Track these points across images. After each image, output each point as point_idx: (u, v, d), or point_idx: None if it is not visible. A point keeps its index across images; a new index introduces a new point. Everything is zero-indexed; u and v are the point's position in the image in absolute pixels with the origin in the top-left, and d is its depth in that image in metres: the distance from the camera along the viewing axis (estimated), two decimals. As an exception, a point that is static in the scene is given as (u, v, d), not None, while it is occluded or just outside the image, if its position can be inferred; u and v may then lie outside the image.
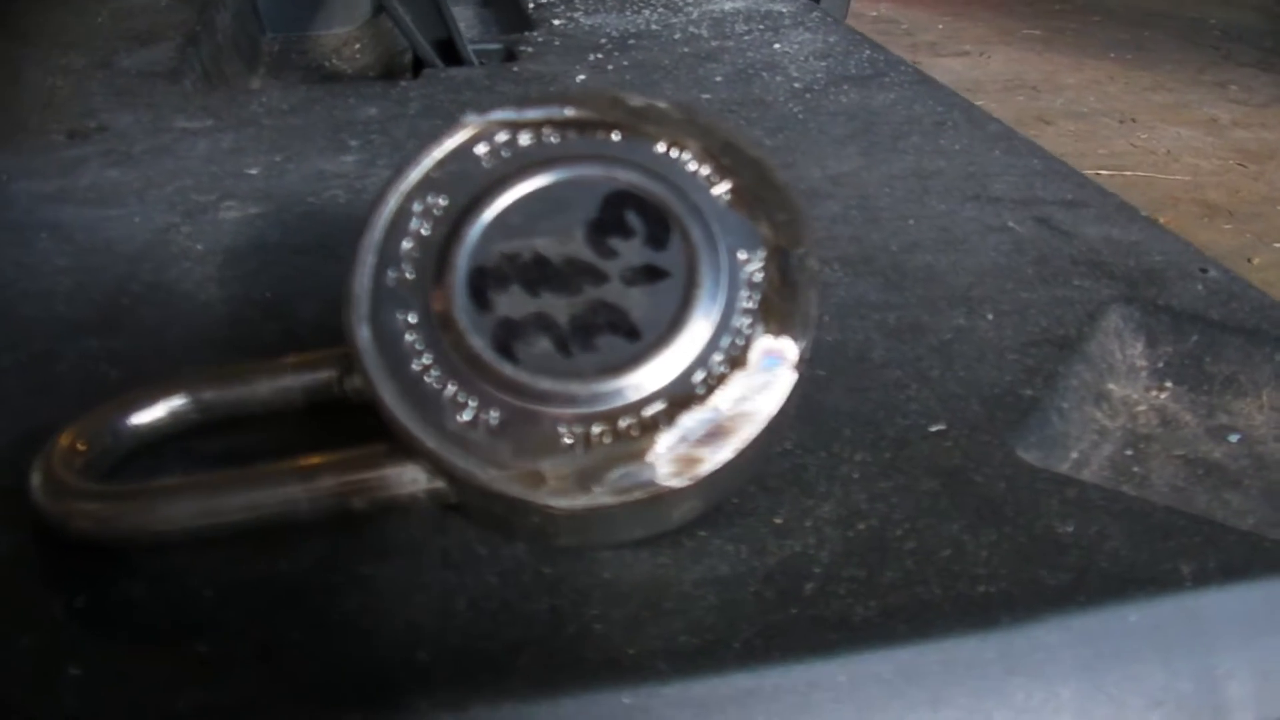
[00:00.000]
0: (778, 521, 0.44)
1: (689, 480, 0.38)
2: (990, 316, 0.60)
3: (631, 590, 0.41)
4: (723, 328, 0.40)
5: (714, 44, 1.12)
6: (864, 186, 0.77)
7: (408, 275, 0.42)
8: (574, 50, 1.11)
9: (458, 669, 0.38)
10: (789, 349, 0.40)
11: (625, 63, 1.07)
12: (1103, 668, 0.40)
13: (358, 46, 1.52)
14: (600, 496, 0.38)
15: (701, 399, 0.39)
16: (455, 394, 0.40)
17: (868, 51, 1.08)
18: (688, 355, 0.40)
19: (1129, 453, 0.55)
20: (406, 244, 0.43)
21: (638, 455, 0.39)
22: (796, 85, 0.99)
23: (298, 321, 0.61)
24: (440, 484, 0.41)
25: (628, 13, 1.22)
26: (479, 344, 0.40)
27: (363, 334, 0.41)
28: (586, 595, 0.41)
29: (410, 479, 0.41)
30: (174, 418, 0.49)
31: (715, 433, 0.39)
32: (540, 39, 1.14)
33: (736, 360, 0.40)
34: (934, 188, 0.77)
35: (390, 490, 0.42)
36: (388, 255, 0.42)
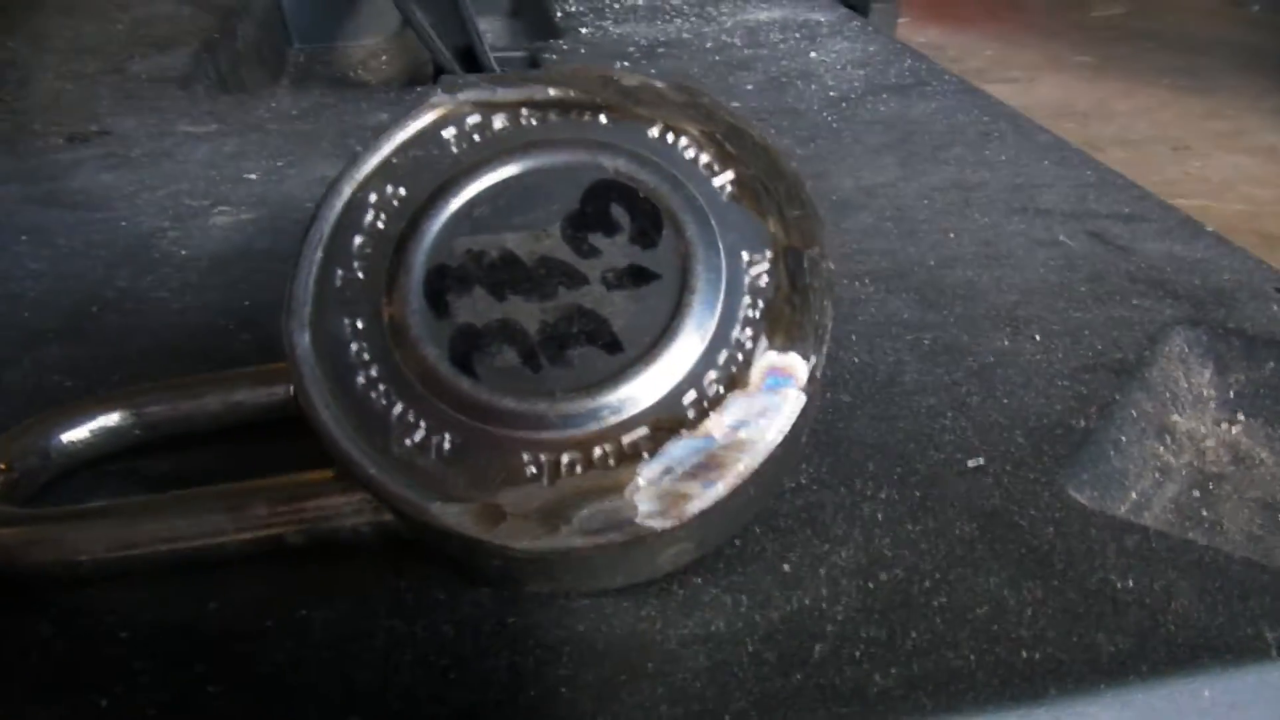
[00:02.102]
0: (786, 569, 0.38)
1: (674, 521, 0.32)
2: (1038, 338, 0.53)
3: (608, 647, 0.35)
4: (720, 340, 0.34)
5: (747, 52, 1.06)
6: (900, 198, 0.71)
7: (358, 275, 0.36)
8: (599, 58, 1.05)
9: (394, 739, 0.32)
10: (797, 366, 0.34)
11: (652, 70, 1.01)
12: (1169, 754, 0.34)
13: (384, 58, 1.48)
14: (568, 538, 0.32)
15: (692, 424, 0.33)
16: (404, 413, 0.34)
17: (909, 61, 1.02)
18: (677, 372, 0.34)
19: (1196, 494, 0.48)
20: (358, 240, 0.37)
21: (614, 490, 0.32)
22: (832, 94, 0.93)
23: (273, 332, 0.56)
24: (390, 518, 0.35)
25: (658, 21, 1.17)
26: (434, 355, 0.34)
27: (301, 342, 0.35)
28: (555, 652, 0.35)
29: (353, 511, 0.36)
30: (113, 435, 0.43)
31: (707, 465, 0.33)
32: (566, 47, 1.09)
33: (735, 379, 0.34)
34: (977, 200, 0.70)
35: (331, 523, 0.36)
36: (336, 252, 0.37)
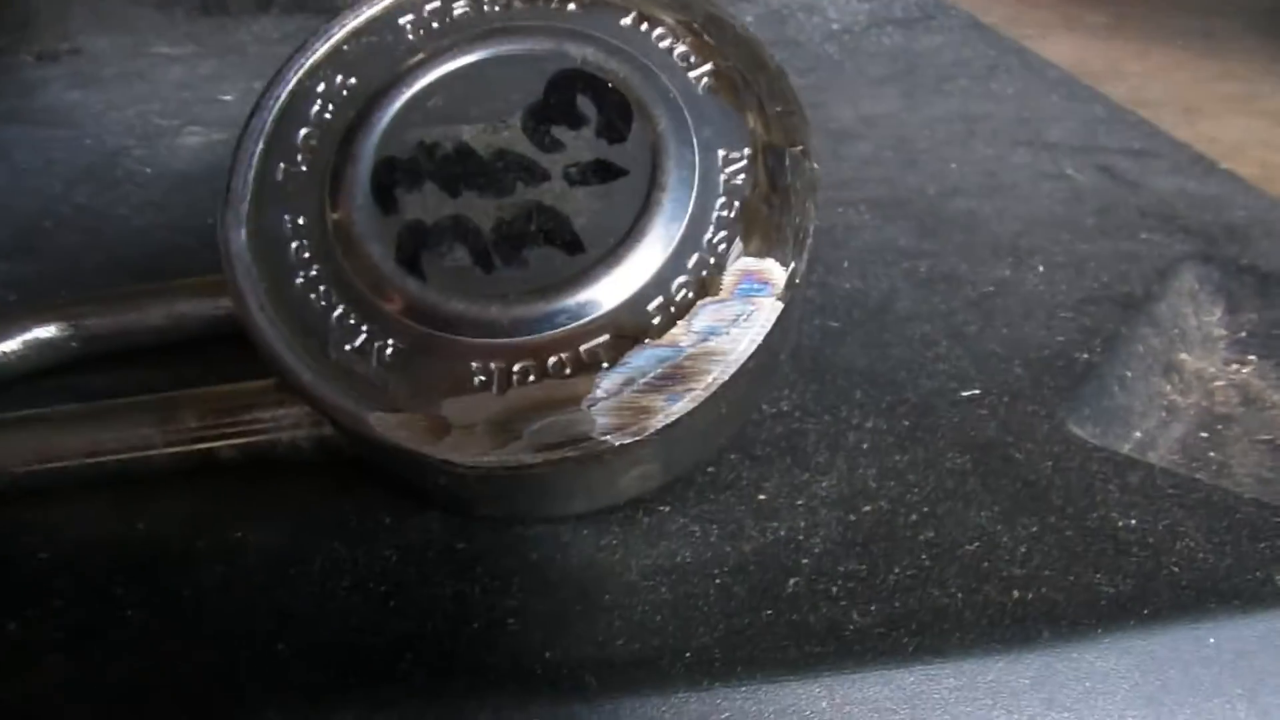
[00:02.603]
0: (761, 499, 0.35)
1: (634, 436, 0.29)
2: (1041, 269, 0.50)
3: (562, 577, 0.32)
4: (690, 243, 0.31)
5: (748, -15, 1.02)
6: (901, 129, 0.68)
7: (301, 169, 0.33)
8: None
9: (323, 668, 0.29)
10: (774, 272, 0.31)
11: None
12: (1171, 703, 0.31)
13: (379, -10, 1.44)
14: (519, 452, 0.29)
15: (657, 332, 0.30)
16: (344, 316, 0.31)
17: (917, -5, 0.98)
18: (642, 275, 0.31)
19: (1204, 435, 0.45)
20: (303, 131, 0.34)
21: (569, 401, 0.29)
22: (834, 27, 0.89)
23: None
24: (329, 431, 0.33)
25: (658, -48, 1.13)
26: (379, 254, 0.31)
27: (237, 239, 0.32)
28: (504, 581, 0.32)
29: (291, 423, 0.33)
30: (48, 348, 0.41)
31: (672, 376, 0.30)
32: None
33: (706, 284, 0.31)
34: (981, 131, 0.67)
35: (266, 435, 0.33)
36: (279, 144, 0.34)
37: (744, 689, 0.29)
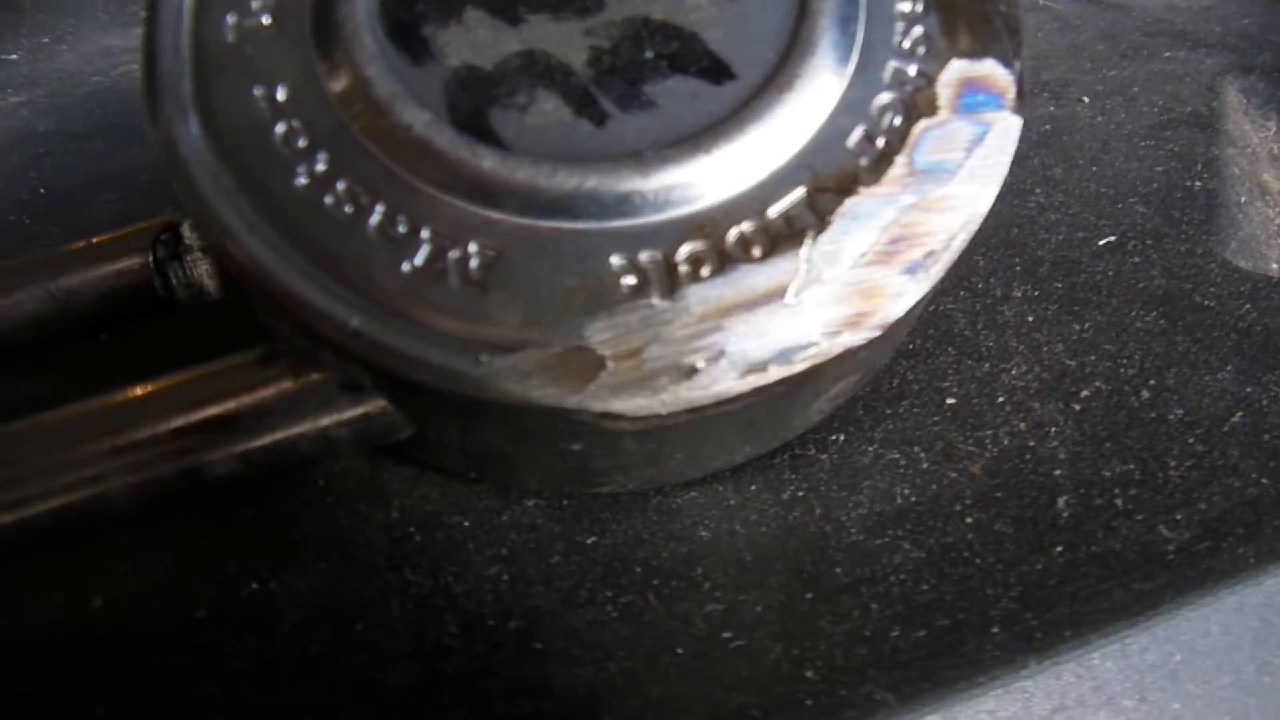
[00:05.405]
0: (951, 403, 0.26)
1: (874, 330, 0.20)
2: (1086, 100, 0.43)
3: (761, 557, 0.22)
4: (879, 47, 0.22)
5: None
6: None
7: (260, 20, 0.22)
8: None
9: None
10: (1000, 77, 0.22)
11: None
12: None
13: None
14: (719, 382, 0.19)
15: (870, 176, 0.20)
16: (388, 222, 0.20)
17: None
18: (829, 97, 0.21)
19: (1335, 261, 0.38)
20: None
21: (771, 294, 0.20)
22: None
23: (90, 218, 0.41)
24: (378, 405, 0.22)
25: None
26: (422, 121, 0.21)
27: (187, 135, 0.21)
28: (686, 580, 0.22)
29: (315, 406, 0.22)
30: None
31: (904, 237, 0.20)
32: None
33: (916, 103, 0.21)
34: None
35: (285, 431, 0.22)
36: None
37: (1078, 656, 0.20)
